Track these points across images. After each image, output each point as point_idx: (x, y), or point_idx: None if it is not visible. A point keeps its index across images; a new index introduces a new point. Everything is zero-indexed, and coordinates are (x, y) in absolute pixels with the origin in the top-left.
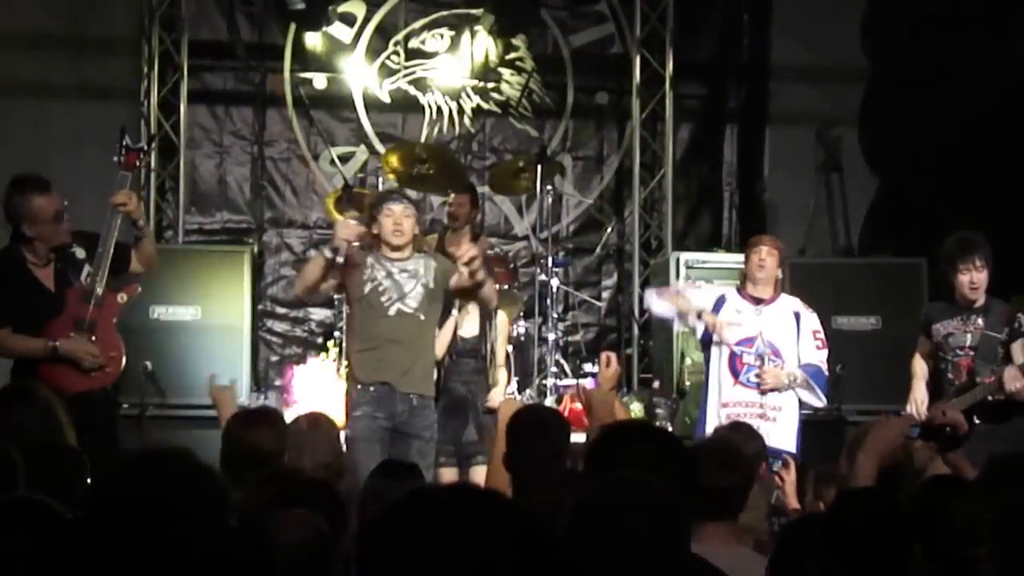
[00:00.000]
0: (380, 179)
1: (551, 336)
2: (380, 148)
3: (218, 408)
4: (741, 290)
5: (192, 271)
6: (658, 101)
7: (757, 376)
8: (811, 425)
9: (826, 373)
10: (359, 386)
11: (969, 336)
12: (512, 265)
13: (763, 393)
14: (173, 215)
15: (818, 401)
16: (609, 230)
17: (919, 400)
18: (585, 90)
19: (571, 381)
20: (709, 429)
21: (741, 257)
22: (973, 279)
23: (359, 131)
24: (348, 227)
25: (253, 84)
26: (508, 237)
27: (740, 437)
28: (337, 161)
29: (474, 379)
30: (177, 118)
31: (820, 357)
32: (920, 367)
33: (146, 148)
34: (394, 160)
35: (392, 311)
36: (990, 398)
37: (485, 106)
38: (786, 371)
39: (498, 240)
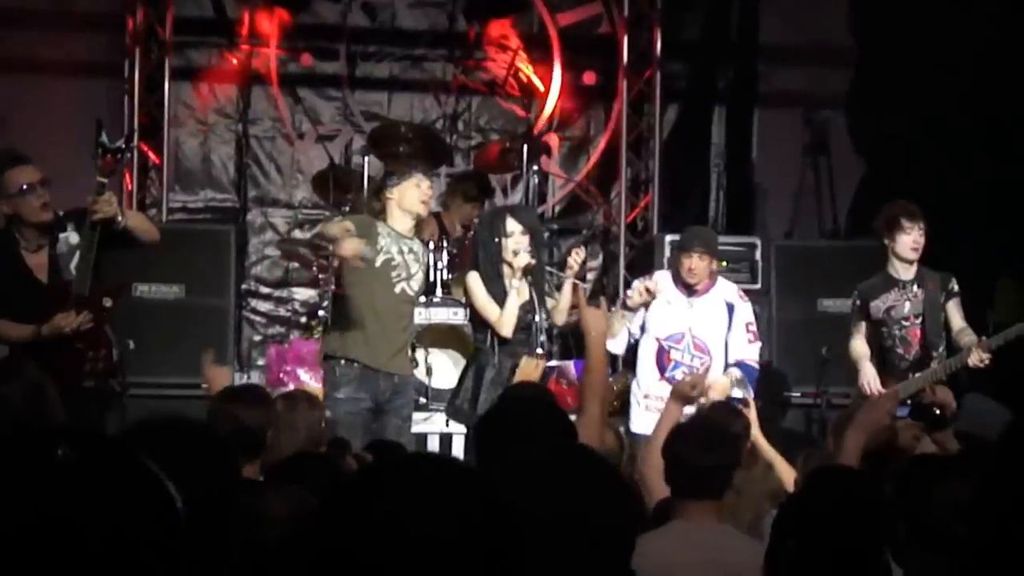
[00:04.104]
0: (366, 159)
1: (536, 317)
2: (365, 127)
3: (211, 385)
4: (676, 281)
5: (176, 250)
6: (645, 81)
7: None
8: (798, 408)
9: (758, 368)
10: (343, 362)
11: (909, 304)
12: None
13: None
14: (157, 193)
15: (747, 395)
16: (596, 211)
17: (870, 378)
18: (572, 69)
19: (555, 363)
20: (633, 418)
21: (729, 239)
22: (916, 240)
23: (344, 110)
24: (350, 246)
25: (238, 61)
26: None
27: (724, 415)
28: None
29: (519, 352)
30: (161, 95)
31: (752, 352)
32: (862, 347)
33: (124, 149)
34: (379, 139)
35: (398, 289)
36: (945, 377)
37: (471, 85)
38: (727, 378)
39: None
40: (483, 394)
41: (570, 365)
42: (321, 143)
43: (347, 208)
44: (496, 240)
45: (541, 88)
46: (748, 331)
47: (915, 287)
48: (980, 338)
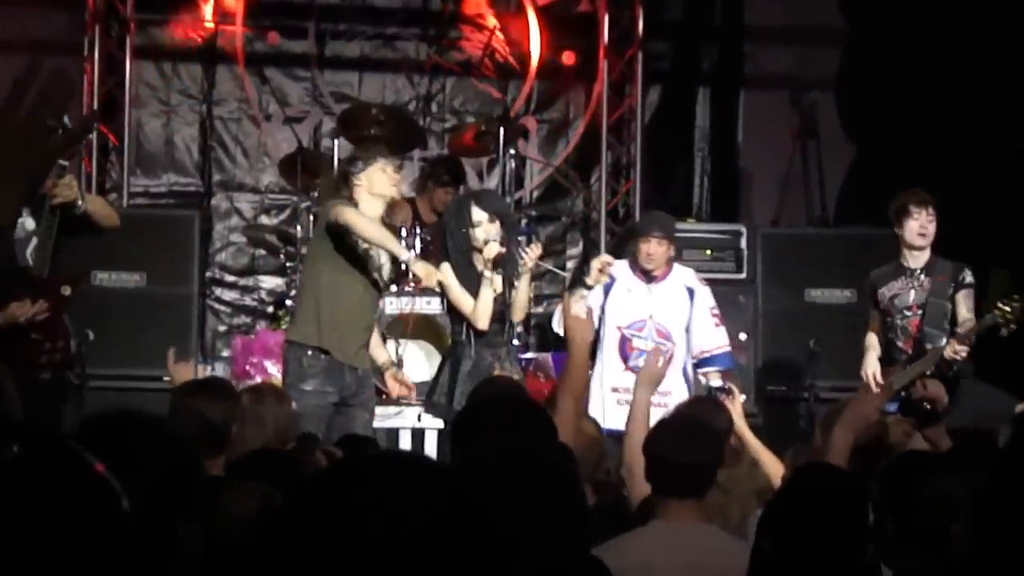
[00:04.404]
0: (335, 142)
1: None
2: (335, 109)
3: (174, 382)
4: (633, 268)
5: (137, 236)
6: (627, 62)
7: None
8: (783, 402)
9: (730, 350)
10: (310, 352)
11: (913, 293)
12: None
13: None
14: (118, 177)
15: (730, 384)
16: (575, 197)
17: (871, 372)
18: (551, 49)
19: (533, 355)
20: (604, 414)
21: (714, 227)
22: (924, 225)
23: (313, 91)
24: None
25: (203, 40)
26: None
27: (707, 410)
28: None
29: (499, 342)
30: (122, 75)
31: (721, 337)
32: (872, 340)
33: (84, 132)
34: (350, 122)
35: (369, 279)
36: (930, 372)
37: (445, 65)
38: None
39: None
40: (459, 388)
41: (547, 358)
42: (289, 125)
43: (315, 194)
44: (463, 230)
45: (518, 69)
46: (713, 315)
47: (923, 276)
48: (956, 330)
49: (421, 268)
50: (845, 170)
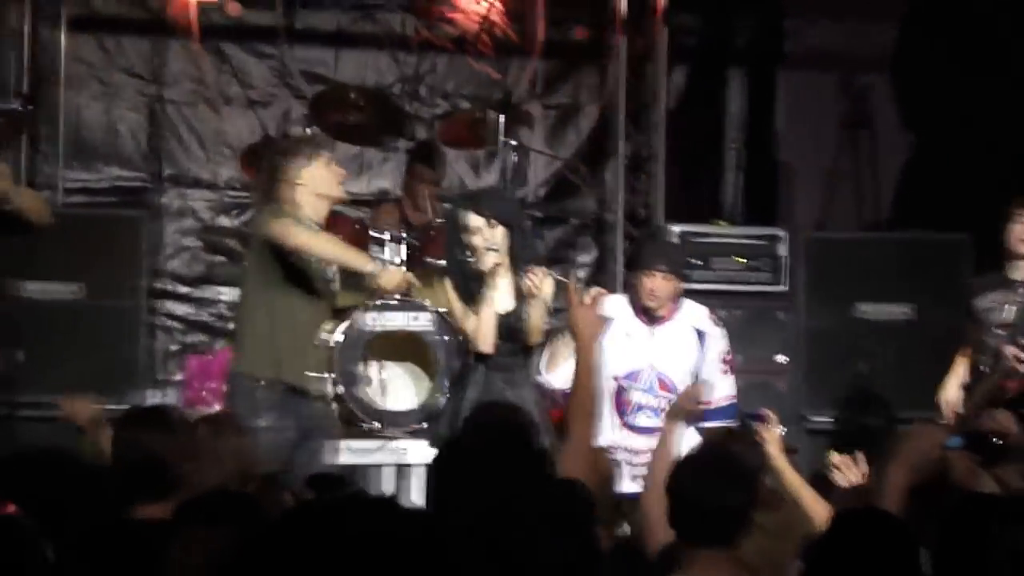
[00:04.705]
0: (307, 130)
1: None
2: (307, 92)
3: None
4: (634, 306)
5: (74, 239)
6: (648, 38)
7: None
8: (828, 436)
9: (736, 403)
10: (263, 383)
11: (1008, 309)
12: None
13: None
14: (50, 171)
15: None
16: (587, 195)
17: (949, 401)
18: (558, 23)
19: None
20: None
21: (748, 231)
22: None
23: (281, 70)
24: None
25: (150, 10)
26: None
27: (739, 446)
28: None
29: (512, 364)
30: (55, 51)
31: (727, 386)
32: (960, 363)
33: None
34: (325, 106)
35: (321, 295)
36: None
37: (435, 42)
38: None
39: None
40: (464, 417)
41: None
42: (252, 110)
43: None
44: (459, 239)
45: (520, 45)
46: (723, 362)
47: (1022, 289)
48: None
49: (388, 277)
50: (902, 165)
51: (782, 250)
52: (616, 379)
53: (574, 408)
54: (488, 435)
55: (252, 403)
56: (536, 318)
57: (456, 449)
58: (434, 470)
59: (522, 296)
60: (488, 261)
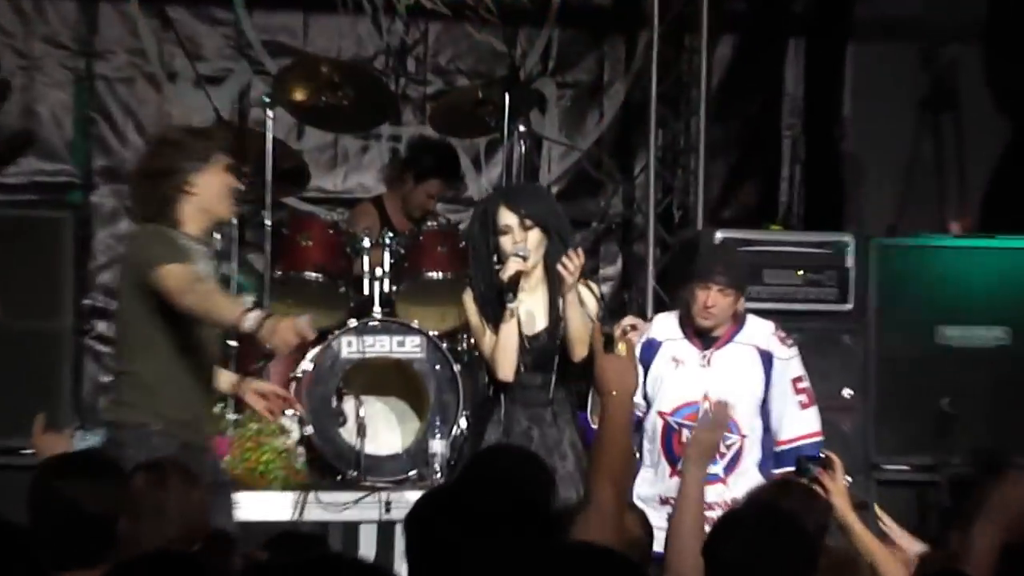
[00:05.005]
0: (270, 113)
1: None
2: (270, 66)
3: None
4: (685, 326)
5: None
6: (687, 2)
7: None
8: (906, 487)
9: (821, 439)
10: (155, 434)
11: None
12: (464, 244)
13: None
14: None
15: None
16: (611, 194)
17: None
18: None
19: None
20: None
21: (808, 236)
22: None
23: (238, 40)
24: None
25: None
26: (459, 201)
27: (795, 497)
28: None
29: (542, 399)
30: None
31: (809, 422)
32: None
33: None
34: (292, 84)
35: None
36: None
37: (428, 5)
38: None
39: (444, 206)
40: None
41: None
42: (203, 88)
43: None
44: (487, 240)
45: (531, 10)
46: (799, 391)
47: None
48: None
49: (271, 330)
50: (995, 155)
51: (849, 260)
52: (663, 416)
53: (598, 470)
54: (480, 489)
55: (149, 454)
56: (577, 324)
57: (435, 504)
58: (407, 530)
59: (558, 316)
60: (509, 268)
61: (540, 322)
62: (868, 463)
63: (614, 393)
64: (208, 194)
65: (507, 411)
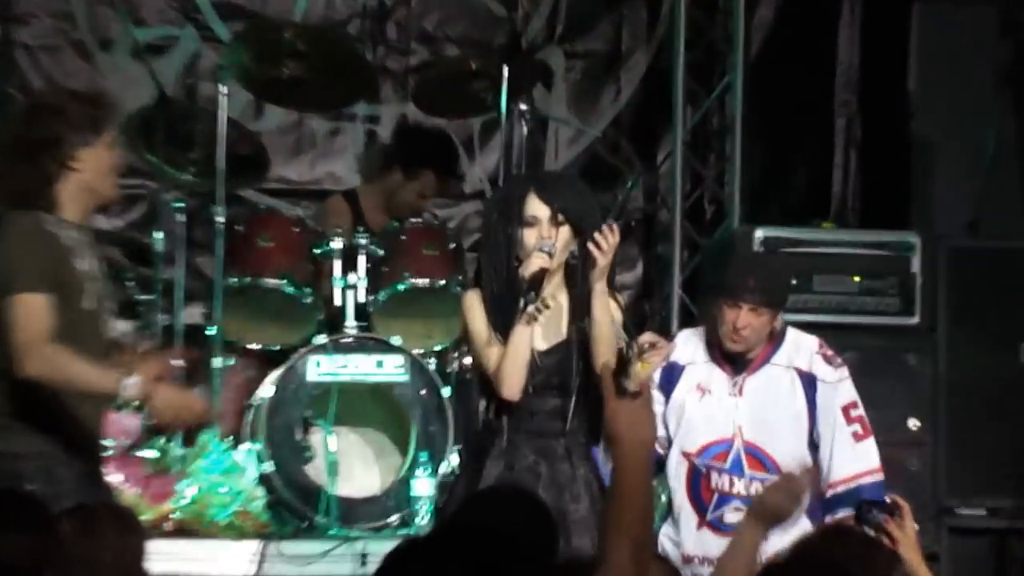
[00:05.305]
0: (223, 88)
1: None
2: (222, 32)
3: None
4: (712, 347)
5: None
6: None
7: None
8: (984, 536)
9: (881, 479)
10: (56, 465)
11: None
12: (455, 245)
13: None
14: None
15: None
16: (630, 185)
17: None
18: None
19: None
20: None
21: (865, 236)
22: None
23: (184, 1)
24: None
25: None
26: (448, 195)
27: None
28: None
29: (554, 429)
30: None
31: (866, 457)
32: None
33: None
34: (248, 53)
35: (101, 328)
36: None
37: None
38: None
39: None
40: None
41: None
42: (142, 59)
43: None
44: (509, 232)
45: None
46: (851, 419)
47: None
48: None
49: (166, 401)
50: None
51: (915, 264)
52: (688, 457)
53: (613, 526)
54: (466, 538)
55: (51, 488)
56: (604, 322)
57: (411, 556)
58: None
59: (579, 328)
60: (533, 264)
61: (556, 335)
62: (938, 507)
63: (627, 444)
64: (94, 172)
65: (510, 441)
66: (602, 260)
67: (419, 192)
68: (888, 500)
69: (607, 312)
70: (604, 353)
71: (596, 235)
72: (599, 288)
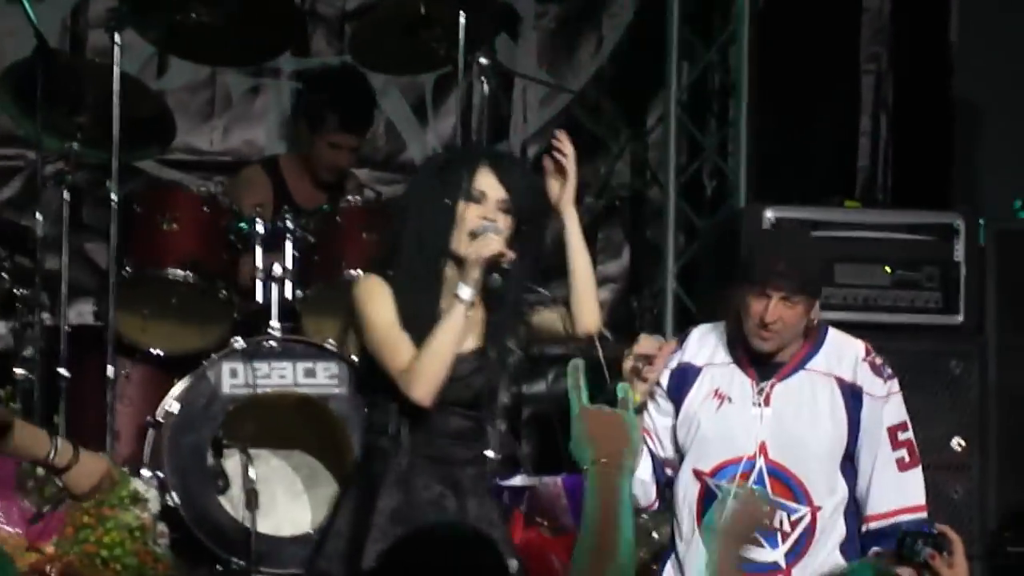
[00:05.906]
0: (118, 38)
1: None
2: None
3: None
4: (735, 347)
5: None
6: None
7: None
8: None
9: (926, 515)
10: None
11: None
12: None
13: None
14: None
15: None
16: (614, 156)
17: None
18: None
19: (524, 481)
20: None
21: (900, 217)
22: None
23: None
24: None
25: None
26: (392, 167)
27: None
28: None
29: (458, 459)
30: None
31: (912, 490)
32: None
33: None
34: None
35: None
36: None
37: None
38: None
39: (371, 174)
40: (371, 544)
41: (554, 484)
42: (20, 3)
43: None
44: (448, 205)
45: None
46: (897, 443)
47: None
48: None
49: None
50: None
51: (958, 251)
52: (700, 475)
53: (589, 551)
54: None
55: None
56: (581, 271)
57: None
58: None
59: (498, 333)
60: (483, 247)
61: (472, 340)
62: (985, 543)
63: (602, 461)
64: None
65: (412, 466)
66: (571, 171)
67: (328, 142)
68: (936, 531)
69: (586, 253)
70: (591, 311)
71: (552, 141)
72: (572, 216)
